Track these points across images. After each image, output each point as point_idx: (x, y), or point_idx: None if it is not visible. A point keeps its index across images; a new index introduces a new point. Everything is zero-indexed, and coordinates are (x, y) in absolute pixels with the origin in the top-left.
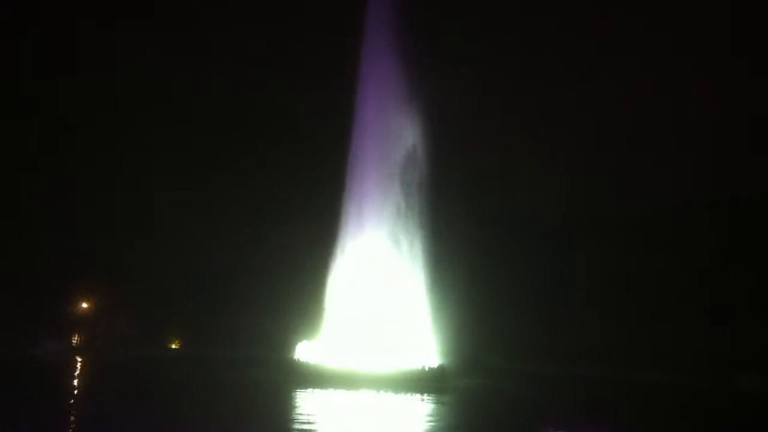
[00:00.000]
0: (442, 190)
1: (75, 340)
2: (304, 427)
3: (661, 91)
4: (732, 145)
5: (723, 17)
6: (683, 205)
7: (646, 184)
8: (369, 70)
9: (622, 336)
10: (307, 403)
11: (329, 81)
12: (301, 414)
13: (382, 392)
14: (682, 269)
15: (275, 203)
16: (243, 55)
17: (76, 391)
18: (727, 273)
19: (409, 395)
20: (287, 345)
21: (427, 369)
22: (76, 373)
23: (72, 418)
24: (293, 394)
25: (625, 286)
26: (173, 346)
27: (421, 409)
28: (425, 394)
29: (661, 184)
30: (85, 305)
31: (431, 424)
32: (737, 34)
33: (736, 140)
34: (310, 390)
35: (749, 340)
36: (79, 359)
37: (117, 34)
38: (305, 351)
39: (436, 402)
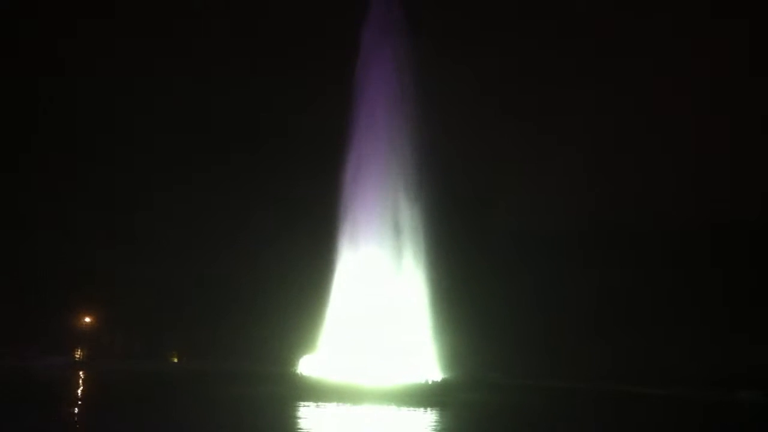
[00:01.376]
0: (445, 201)
1: (77, 354)
2: None
3: (678, 103)
4: (746, 165)
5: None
6: (690, 223)
7: (653, 201)
8: (367, 76)
9: (626, 351)
10: (309, 417)
11: (329, 86)
12: (302, 429)
13: (384, 406)
14: (689, 287)
15: (272, 213)
16: (244, 59)
17: (76, 406)
18: (736, 291)
19: (411, 409)
20: (288, 358)
21: (430, 382)
22: (76, 388)
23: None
24: (295, 408)
25: (629, 302)
26: (174, 360)
27: (424, 423)
28: (428, 408)
29: (668, 202)
30: (87, 319)
31: None
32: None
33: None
34: (312, 404)
35: (755, 357)
36: (80, 373)
37: (117, 36)
38: (307, 365)
39: (439, 416)
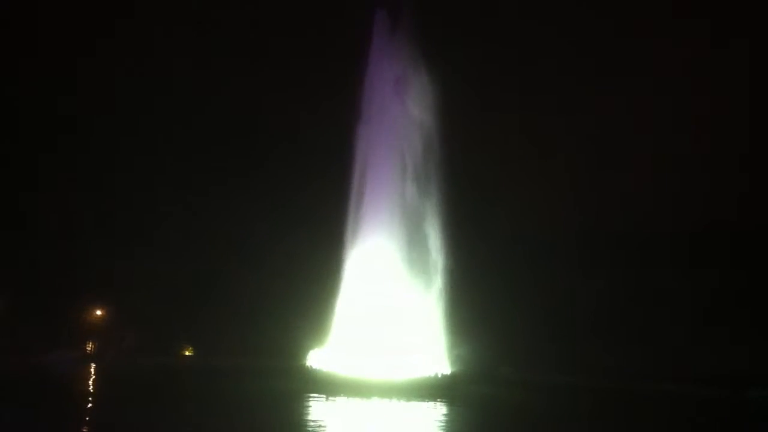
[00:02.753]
0: (454, 198)
1: (88, 348)
2: None
3: (682, 108)
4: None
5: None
6: (697, 226)
7: (661, 204)
8: (374, 79)
9: (635, 349)
10: (318, 411)
11: (336, 86)
12: (312, 422)
13: (393, 400)
14: (695, 287)
15: (282, 209)
16: (247, 58)
17: (88, 401)
18: (739, 294)
19: (420, 403)
20: (298, 353)
21: (439, 376)
22: (88, 382)
23: (85, 429)
24: (304, 402)
25: (638, 302)
26: (186, 353)
27: (433, 416)
28: (437, 402)
29: (674, 206)
30: (98, 313)
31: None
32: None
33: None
34: (321, 398)
35: (762, 357)
36: (92, 368)
37: (119, 36)
38: (316, 359)
39: (448, 409)
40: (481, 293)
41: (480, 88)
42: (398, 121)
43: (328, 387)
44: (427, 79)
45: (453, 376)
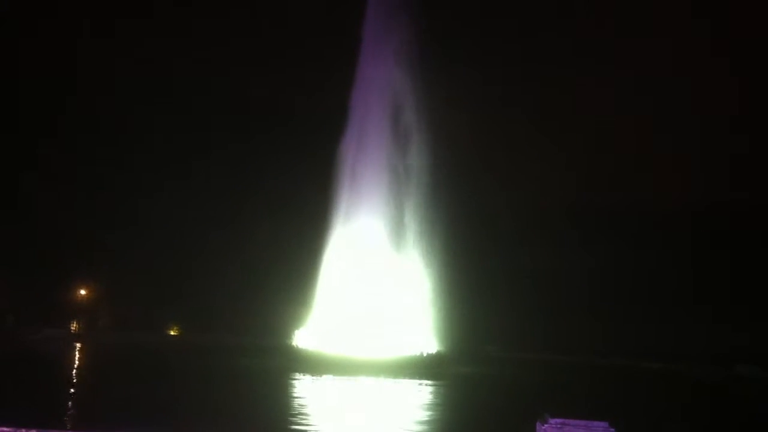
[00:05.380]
0: (440, 178)
1: (74, 327)
2: (302, 412)
3: (669, 92)
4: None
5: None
6: (686, 205)
7: (649, 183)
8: (366, 66)
9: (620, 326)
10: (304, 390)
11: (326, 74)
12: (298, 399)
13: (380, 378)
14: (680, 266)
15: (269, 191)
16: (241, 50)
17: (73, 380)
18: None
19: (407, 381)
20: (285, 332)
21: (425, 355)
22: (73, 361)
23: (69, 403)
24: (291, 381)
25: (623, 279)
26: (172, 333)
27: (419, 395)
28: (423, 380)
29: (664, 184)
30: (83, 292)
31: (429, 410)
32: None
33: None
34: (308, 377)
35: (749, 335)
36: (77, 346)
37: (116, 32)
38: (303, 337)
39: (435, 388)
40: (471, 269)
41: (476, 64)
42: (386, 104)
43: (314, 365)
44: (417, 65)
45: (439, 354)
